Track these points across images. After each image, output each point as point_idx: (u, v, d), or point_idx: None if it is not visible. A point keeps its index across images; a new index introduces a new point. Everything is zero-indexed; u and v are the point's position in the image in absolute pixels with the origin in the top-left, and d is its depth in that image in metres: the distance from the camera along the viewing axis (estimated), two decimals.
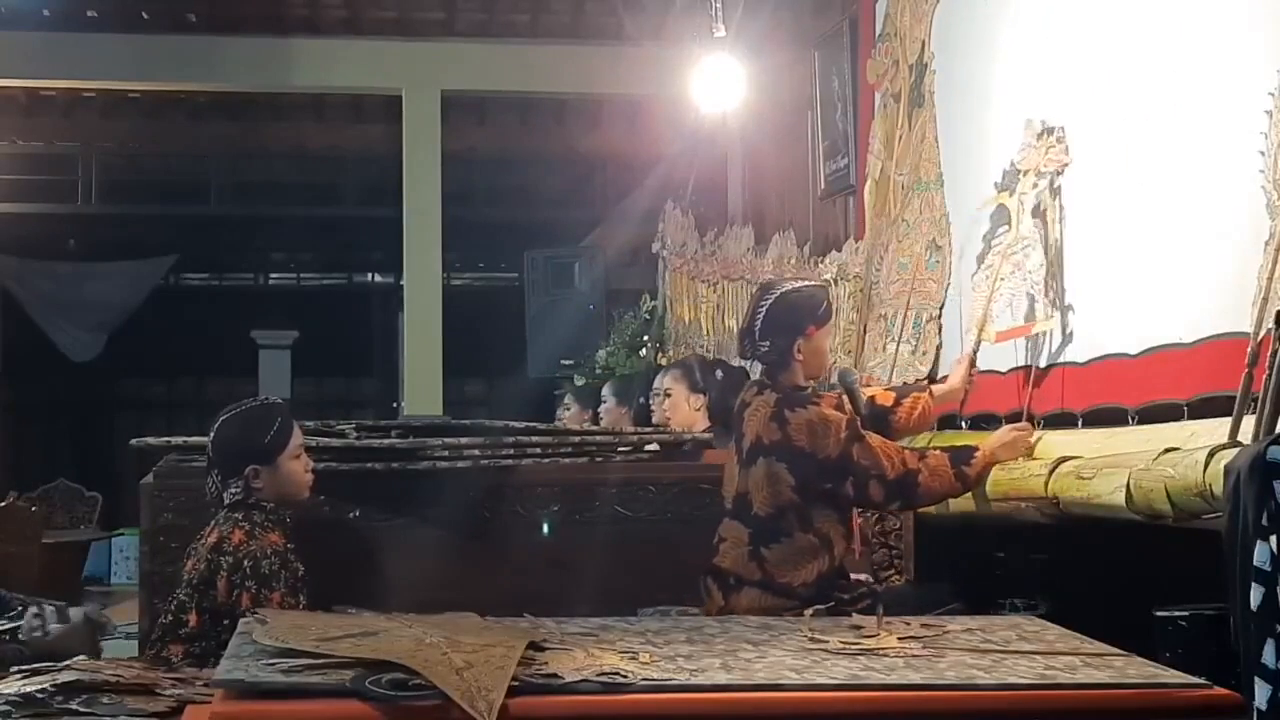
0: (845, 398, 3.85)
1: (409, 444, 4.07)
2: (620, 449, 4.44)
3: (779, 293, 3.83)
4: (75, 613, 3.85)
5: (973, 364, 4.29)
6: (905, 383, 4.55)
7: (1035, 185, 4.21)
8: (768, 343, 3.76)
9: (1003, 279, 4.32)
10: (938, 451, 3.85)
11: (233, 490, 3.51)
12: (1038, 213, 4.21)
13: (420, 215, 9.19)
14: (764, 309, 3.78)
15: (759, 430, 3.71)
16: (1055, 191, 4.19)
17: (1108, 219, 3.90)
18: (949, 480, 3.75)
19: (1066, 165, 4.14)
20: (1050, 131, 4.21)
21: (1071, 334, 4.14)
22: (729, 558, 3.67)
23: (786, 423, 3.66)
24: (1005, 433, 3.93)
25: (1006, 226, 4.35)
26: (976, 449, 3.84)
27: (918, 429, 4.25)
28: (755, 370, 4.21)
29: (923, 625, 2.89)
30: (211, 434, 3.61)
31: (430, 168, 9.20)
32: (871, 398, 4.04)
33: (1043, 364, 4.22)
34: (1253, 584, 2.34)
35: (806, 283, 3.98)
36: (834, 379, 4.17)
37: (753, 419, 3.75)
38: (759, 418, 3.73)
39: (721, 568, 3.67)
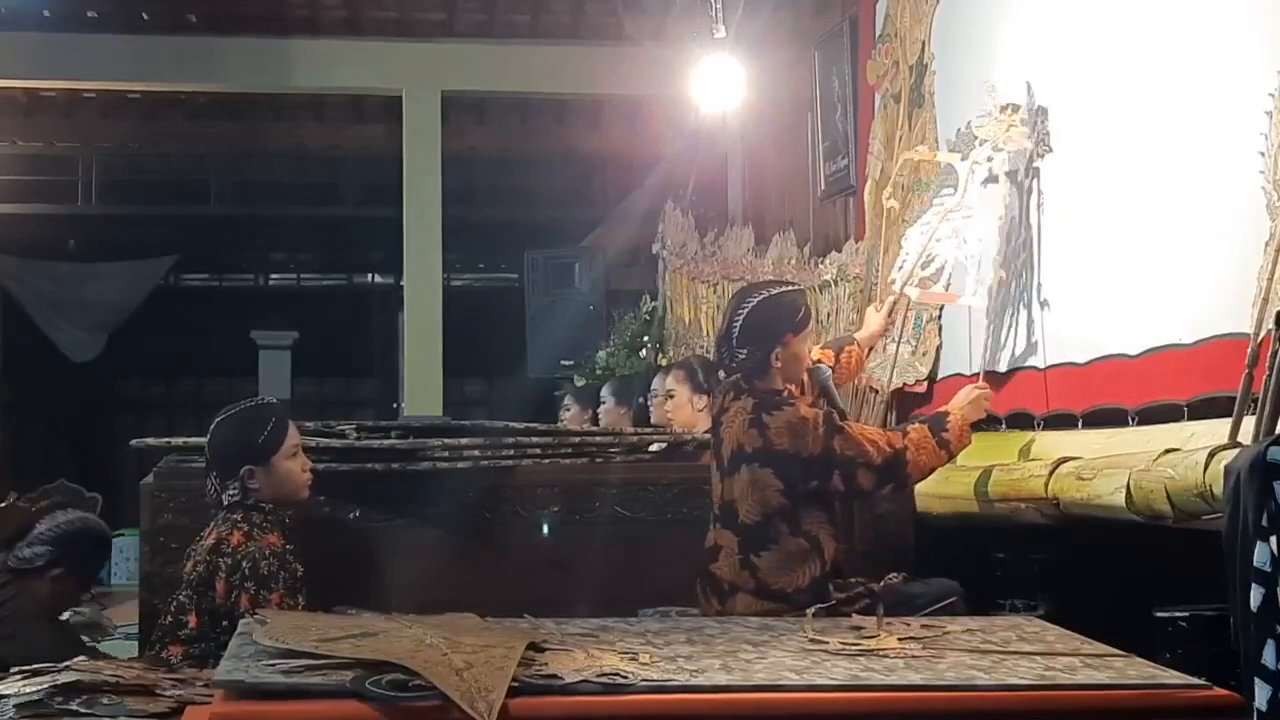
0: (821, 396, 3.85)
1: (409, 444, 4.07)
2: (620, 449, 4.44)
3: (756, 300, 3.74)
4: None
5: (892, 310, 4.53)
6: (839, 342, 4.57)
7: (990, 158, 4.23)
8: (745, 351, 3.70)
9: (938, 240, 4.33)
10: (918, 425, 3.82)
11: (231, 491, 3.51)
12: (988, 186, 4.29)
13: (420, 215, 9.18)
14: (741, 317, 3.71)
15: (738, 437, 3.67)
16: (1027, 188, 4.21)
17: (1108, 219, 3.90)
18: (933, 451, 3.74)
19: (1026, 149, 4.19)
20: (1015, 109, 4.23)
21: (1037, 343, 4.16)
22: (722, 566, 3.65)
23: (766, 427, 3.62)
24: (967, 393, 3.95)
25: (952, 190, 4.36)
26: (948, 414, 3.83)
27: (853, 375, 4.50)
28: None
29: (923, 626, 2.89)
30: (208, 436, 3.61)
31: (430, 168, 9.19)
32: (817, 361, 4.02)
33: (1002, 368, 4.29)
34: (1253, 585, 2.34)
35: (785, 288, 3.88)
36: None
37: (731, 426, 3.71)
38: (737, 424, 3.68)
39: (716, 575, 3.66)
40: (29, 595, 4.11)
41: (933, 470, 3.82)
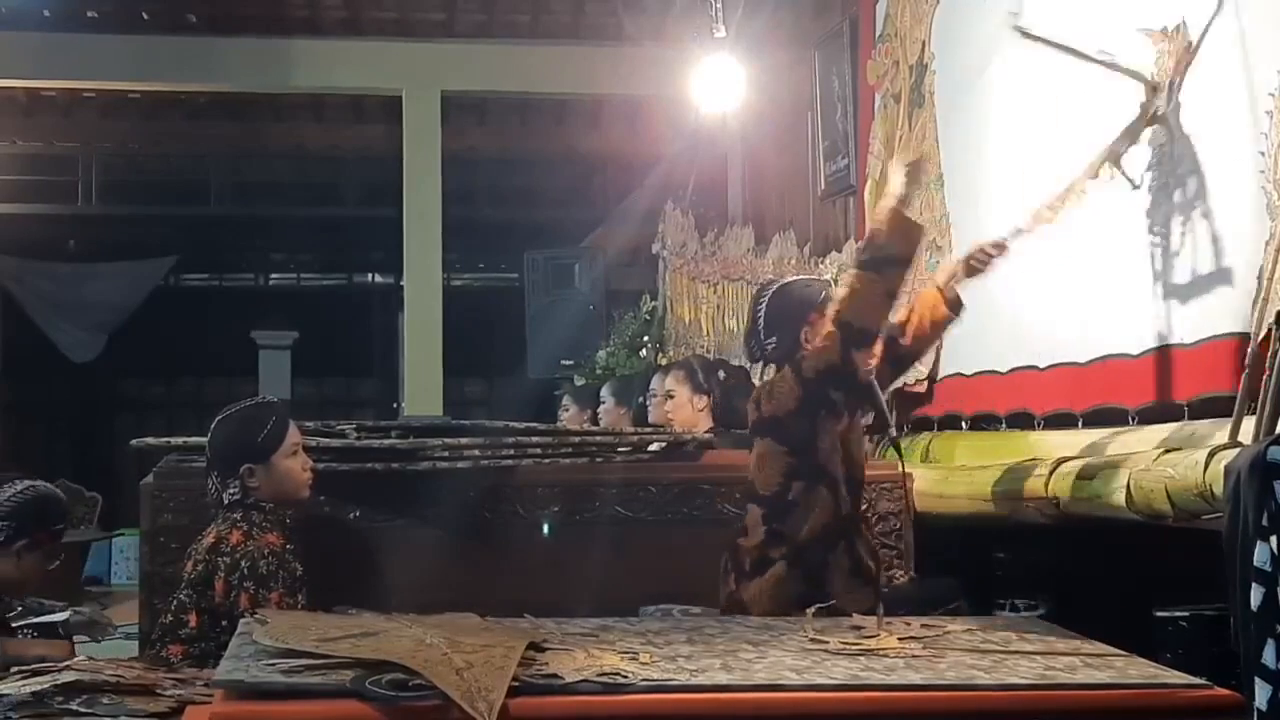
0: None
1: (409, 444, 4.07)
2: (620, 449, 4.44)
3: (776, 287, 3.82)
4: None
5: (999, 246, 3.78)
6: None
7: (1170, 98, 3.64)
8: (774, 339, 3.71)
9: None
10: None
11: (231, 490, 3.51)
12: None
13: (420, 215, 9.19)
14: (764, 305, 3.76)
15: (751, 416, 3.73)
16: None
17: (1107, 218, 3.90)
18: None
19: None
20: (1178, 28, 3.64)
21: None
22: (750, 539, 3.64)
23: (758, 400, 3.68)
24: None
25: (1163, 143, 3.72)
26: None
27: (927, 329, 3.83)
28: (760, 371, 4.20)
29: (923, 625, 2.89)
30: (209, 434, 3.62)
31: (430, 168, 9.20)
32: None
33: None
34: (1253, 584, 2.34)
35: (804, 278, 3.97)
36: None
37: (755, 403, 3.76)
38: (752, 405, 3.75)
39: (740, 547, 3.64)
40: None
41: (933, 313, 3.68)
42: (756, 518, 3.65)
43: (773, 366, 3.78)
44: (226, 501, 3.52)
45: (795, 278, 3.94)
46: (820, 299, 3.75)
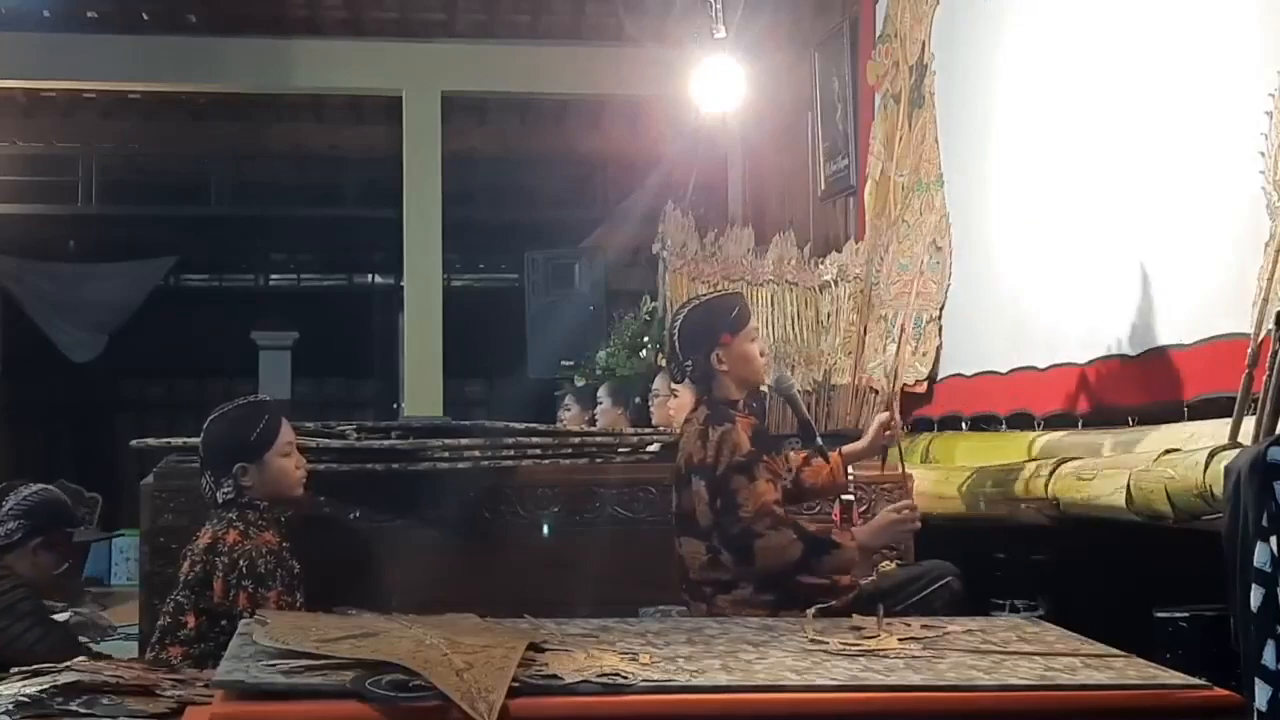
0: (789, 409, 3.82)
1: (409, 445, 4.07)
2: (620, 450, 4.44)
3: (688, 309, 3.78)
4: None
5: (885, 425, 3.93)
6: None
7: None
8: (690, 361, 3.70)
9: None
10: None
11: (225, 489, 3.51)
12: None
13: (420, 216, 9.18)
14: (677, 328, 3.74)
15: (690, 449, 3.66)
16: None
17: (1109, 219, 3.90)
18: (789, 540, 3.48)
19: None
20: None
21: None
22: (698, 574, 3.63)
23: (708, 440, 3.59)
24: (885, 517, 3.69)
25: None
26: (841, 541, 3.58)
27: (824, 491, 3.95)
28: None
29: (923, 626, 2.89)
30: (202, 434, 3.62)
31: (430, 168, 9.19)
32: (785, 455, 3.96)
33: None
34: (1253, 585, 2.33)
35: (716, 294, 3.90)
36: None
37: (686, 436, 3.73)
38: (690, 435, 3.69)
39: (696, 582, 3.64)
40: (13, 573, 4.10)
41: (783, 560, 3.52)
42: (698, 549, 3.60)
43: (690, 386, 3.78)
44: (221, 501, 3.52)
45: (708, 297, 3.85)
46: (732, 318, 3.71)
